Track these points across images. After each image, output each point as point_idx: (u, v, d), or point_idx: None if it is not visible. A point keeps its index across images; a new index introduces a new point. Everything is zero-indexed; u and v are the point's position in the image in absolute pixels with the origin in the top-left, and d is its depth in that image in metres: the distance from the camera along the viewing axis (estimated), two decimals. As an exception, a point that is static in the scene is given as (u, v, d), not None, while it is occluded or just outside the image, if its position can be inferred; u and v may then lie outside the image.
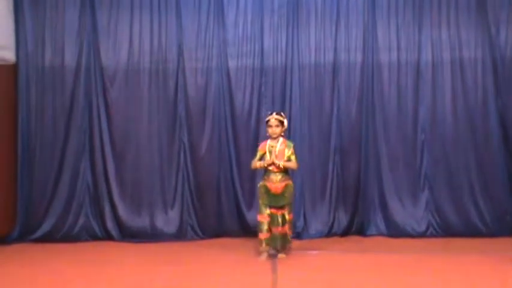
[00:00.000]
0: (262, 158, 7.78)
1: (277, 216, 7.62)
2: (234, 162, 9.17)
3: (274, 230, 7.62)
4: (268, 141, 7.79)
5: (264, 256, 7.62)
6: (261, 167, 7.77)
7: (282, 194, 7.63)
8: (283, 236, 7.67)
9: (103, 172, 9.13)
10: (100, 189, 9.13)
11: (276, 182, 7.63)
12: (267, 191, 7.66)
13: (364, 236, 9.12)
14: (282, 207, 7.64)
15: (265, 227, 7.64)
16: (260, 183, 7.79)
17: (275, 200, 7.63)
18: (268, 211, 7.66)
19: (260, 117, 9.12)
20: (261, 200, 7.73)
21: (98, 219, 9.12)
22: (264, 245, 7.67)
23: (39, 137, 9.09)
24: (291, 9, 9.21)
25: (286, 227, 7.68)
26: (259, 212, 7.75)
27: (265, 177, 7.72)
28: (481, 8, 9.11)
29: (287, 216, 7.67)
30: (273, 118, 7.75)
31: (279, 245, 7.66)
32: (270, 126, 7.74)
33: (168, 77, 9.20)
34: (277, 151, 7.68)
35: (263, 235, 7.66)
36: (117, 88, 9.19)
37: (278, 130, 7.73)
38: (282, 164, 7.60)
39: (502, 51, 9.10)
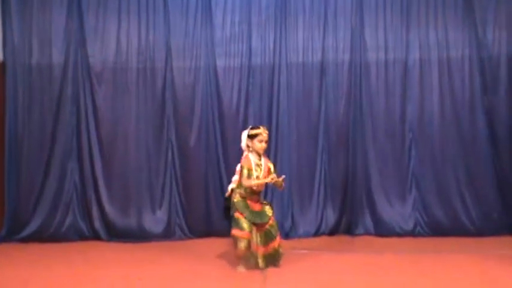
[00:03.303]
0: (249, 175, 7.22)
1: (269, 230, 7.25)
2: (221, 161, 9.16)
3: (272, 244, 7.25)
4: (252, 158, 7.29)
5: (242, 268, 7.19)
6: (259, 184, 7.29)
7: (263, 210, 7.32)
8: (279, 248, 7.35)
9: (91, 171, 9.10)
10: (88, 188, 9.10)
11: (257, 201, 7.32)
12: (249, 207, 7.22)
13: (352, 235, 9.13)
14: (267, 221, 7.29)
15: (243, 244, 7.04)
16: (238, 199, 7.25)
17: (260, 217, 7.23)
18: (249, 228, 7.10)
19: (248, 116, 9.16)
20: (244, 215, 7.14)
21: (86, 218, 9.10)
22: (259, 262, 7.18)
23: (27, 136, 9.05)
24: (279, 9, 9.20)
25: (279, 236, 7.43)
26: (238, 226, 7.10)
27: (246, 195, 7.25)
28: (469, 8, 9.12)
29: (275, 224, 7.37)
30: (265, 133, 7.32)
31: (279, 260, 7.35)
32: (261, 141, 7.27)
33: (156, 77, 9.18)
34: (263, 168, 7.31)
35: (241, 252, 7.10)
36: (104, 87, 9.16)
37: (266, 146, 7.42)
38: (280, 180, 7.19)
39: (489, 51, 9.13)
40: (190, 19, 9.21)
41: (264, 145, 7.32)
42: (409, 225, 9.10)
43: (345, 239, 9.04)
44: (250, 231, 7.10)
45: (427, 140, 9.18)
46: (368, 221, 9.20)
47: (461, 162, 9.13)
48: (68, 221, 9.04)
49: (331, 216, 9.20)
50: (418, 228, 9.11)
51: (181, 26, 9.21)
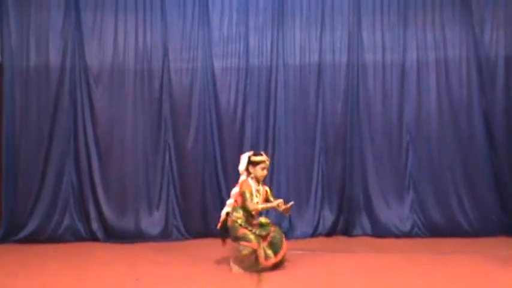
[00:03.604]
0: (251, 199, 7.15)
1: (273, 237, 7.15)
2: (219, 162, 9.18)
3: (281, 252, 7.14)
4: (252, 183, 7.24)
5: (238, 269, 7.12)
6: (264, 209, 7.32)
7: (260, 222, 7.24)
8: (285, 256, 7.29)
9: (88, 172, 9.11)
10: (85, 189, 9.10)
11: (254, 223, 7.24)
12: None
13: (349, 236, 9.16)
14: (270, 230, 7.20)
15: (247, 251, 6.97)
16: (235, 222, 7.13)
17: (263, 229, 7.18)
18: (257, 240, 7.00)
19: (245, 117, 9.21)
20: (249, 228, 7.08)
21: (83, 219, 9.11)
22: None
23: (24, 137, 9.04)
24: (276, 10, 9.23)
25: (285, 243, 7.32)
26: (245, 240, 7.00)
27: (242, 219, 7.12)
28: (466, 8, 9.16)
29: (277, 229, 7.30)
30: (267, 160, 7.33)
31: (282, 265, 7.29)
32: (263, 168, 7.26)
33: (153, 78, 9.19)
34: (261, 193, 7.28)
35: (244, 257, 7.02)
36: (101, 88, 9.17)
37: (267, 173, 7.43)
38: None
39: (486, 51, 9.16)
40: (187, 20, 9.23)
41: (265, 172, 7.35)
42: (407, 226, 9.12)
43: (342, 239, 9.06)
44: (258, 243, 7.03)
45: (425, 141, 9.20)
46: (365, 222, 9.21)
47: (459, 163, 9.15)
48: (65, 222, 9.04)
49: (328, 217, 9.21)
50: (416, 229, 9.13)
51: (179, 27, 9.23)
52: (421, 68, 9.22)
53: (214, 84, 9.23)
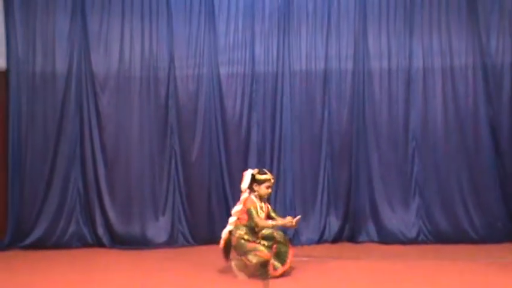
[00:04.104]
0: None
1: (280, 245, 7.17)
2: (225, 169, 9.19)
3: (288, 261, 7.17)
4: (256, 200, 7.21)
5: (243, 276, 7.15)
6: (274, 226, 7.22)
7: (264, 233, 7.22)
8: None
9: (94, 179, 9.11)
10: (91, 196, 9.10)
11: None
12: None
13: (355, 242, 9.15)
14: (274, 238, 7.19)
15: (256, 259, 6.96)
16: (239, 239, 7.12)
17: (268, 239, 7.17)
18: (268, 250, 7.02)
19: (251, 124, 9.22)
20: (254, 243, 7.08)
21: (89, 226, 9.11)
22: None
23: (30, 143, 9.05)
24: (282, 17, 9.24)
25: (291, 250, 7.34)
26: (256, 251, 7.00)
27: (246, 236, 7.10)
28: (472, 15, 9.13)
29: (282, 235, 7.32)
30: (272, 179, 7.35)
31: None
32: (268, 187, 7.26)
33: (159, 84, 9.21)
34: (264, 211, 7.26)
35: (253, 266, 7.05)
36: (108, 95, 9.18)
37: (271, 191, 7.45)
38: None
39: (492, 58, 9.13)
40: (193, 27, 9.24)
41: (270, 191, 7.35)
42: (413, 233, 9.10)
43: (348, 246, 9.05)
44: (270, 253, 7.04)
45: (430, 148, 9.18)
46: (371, 228, 9.19)
47: (465, 170, 9.13)
48: (71, 228, 9.05)
49: (334, 224, 9.21)
50: (422, 235, 9.10)
51: (185, 33, 9.23)
52: (427, 75, 9.20)
53: (220, 90, 9.24)
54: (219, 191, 9.18)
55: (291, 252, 7.24)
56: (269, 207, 7.39)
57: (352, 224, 9.21)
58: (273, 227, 7.19)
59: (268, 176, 7.31)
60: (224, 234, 7.33)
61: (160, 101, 9.21)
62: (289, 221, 7.13)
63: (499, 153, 9.10)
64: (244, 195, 7.29)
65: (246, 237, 7.08)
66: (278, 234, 7.25)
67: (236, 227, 7.20)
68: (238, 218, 7.26)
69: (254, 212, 7.10)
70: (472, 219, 9.03)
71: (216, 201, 9.16)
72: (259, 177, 7.28)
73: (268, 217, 7.29)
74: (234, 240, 7.16)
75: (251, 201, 7.19)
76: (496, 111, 9.14)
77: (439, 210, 9.11)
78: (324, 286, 6.82)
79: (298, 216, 7.23)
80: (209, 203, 9.16)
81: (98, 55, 9.19)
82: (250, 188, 7.29)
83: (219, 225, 8.92)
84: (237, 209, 7.34)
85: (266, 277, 7.00)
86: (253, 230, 7.14)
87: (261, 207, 7.23)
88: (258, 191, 7.25)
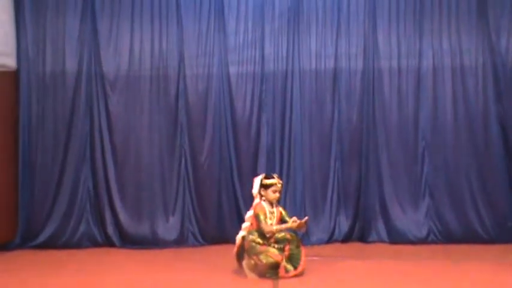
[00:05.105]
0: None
1: (292, 249, 7.17)
2: (234, 168, 9.18)
3: (300, 266, 7.16)
4: (265, 206, 7.22)
5: (254, 276, 7.14)
6: (279, 231, 7.17)
7: (275, 237, 7.20)
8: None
9: (104, 179, 9.12)
10: (101, 195, 9.11)
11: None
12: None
13: (365, 242, 9.13)
14: (286, 241, 7.21)
15: (268, 260, 6.96)
16: (252, 243, 7.11)
17: (281, 242, 7.16)
18: (279, 252, 7.04)
19: (260, 123, 9.20)
20: (265, 245, 7.06)
21: (99, 225, 9.11)
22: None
23: (40, 143, 9.07)
24: (292, 16, 9.21)
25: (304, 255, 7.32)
26: (269, 253, 7.01)
27: (258, 241, 7.08)
28: (482, 15, 9.09)
29: (295, 237, 7.31)
30: (279, 183, 7.31)
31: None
32: (275, 191, 7.24)
33: (168, 84, 9.20)
34: (276, 216, 7.25)
35: (263, 266, 7.02)
36: (118, 95, 9.18)
37: (279, 196, 7.42)
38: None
39: (503, 58, 9.07)
40: (203, 26, 9.22)
41: (277, 195, 7.33)
42: (423, 233, 9.07)
43: (358, 246, 9.04)
44: (281, 255, 7.06)
45: (440, 147, 9.15)
46: (381, 228, 9.17)
47: (475, 169, 9.09)
48: (82, 228, 9.05)
49: (344, 224, 9.19)
50: (431, 235, 9.07)
51: (194, 33, 9.22)
52: (437, 74, 9.16)
53: (230, 90, 9.23)
54: (229, 190, 9.17)
55: (304, 255, 7.24)
56: (282, 211, 7.37)
57: (362, 224, 9.19)
58: (278, 231, 7.15)
59: (274, 180, 7.30)
60: (237, 239, 7.35)
61: (170, 100, 9.20)
62: (293, 221, 7.13)
63: (509, 152, 9.05)
64: (256, 201, 7.31)
65: (257, 240, 7.08)
66: (291, 236, 7.25)
67: (249, 232, 7.22)
68: (251, 224, 7.28)
69: (262, 218, 7.10)
70: (482, 219, 8.99)
71: (226, 200, 9.15)
72: (265, 181, 7.30)
73: (282, 221, 7.27)
74: (246, 244, 7.17)
75: (260, 207, 7.20)
76: (506, 111, 9.07)
77: (449, 210, 9.07)
78: (333, 286, 6.82)
79: (306, 217, 7.23)
80: (219, 203, 9.15)
81: (108, 54, 9.19)
82: (260, 193, 7.30)
83: (228, 224, 9.01)
84: (249, 214, 7.39)
85: (276, 278, 7.00)
86: (265, 234, 7.13)
87: (272, 213, 7.21)
88: (265, 196, 7.26)
